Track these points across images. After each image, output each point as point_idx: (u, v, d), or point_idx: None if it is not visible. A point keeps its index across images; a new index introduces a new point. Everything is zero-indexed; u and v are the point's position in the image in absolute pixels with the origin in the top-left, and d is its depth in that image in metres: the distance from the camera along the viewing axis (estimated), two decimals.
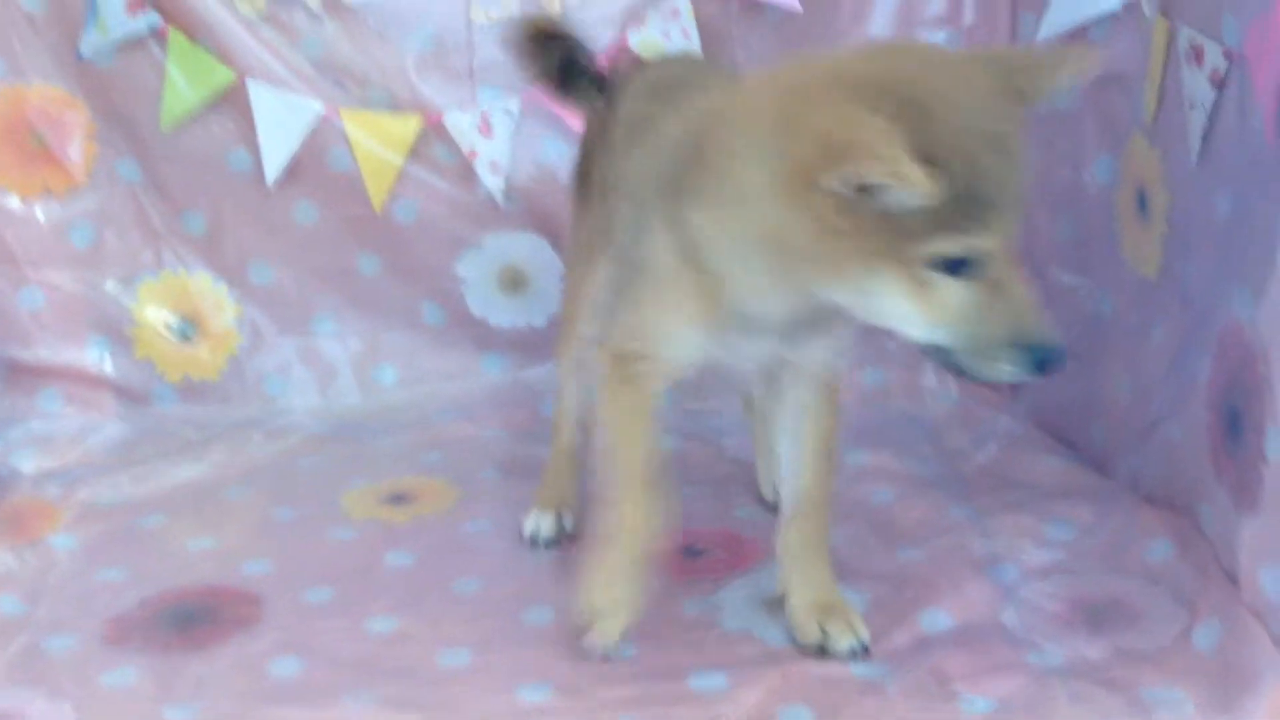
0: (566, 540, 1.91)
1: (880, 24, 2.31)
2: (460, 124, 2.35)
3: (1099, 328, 2.06)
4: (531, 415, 2.38)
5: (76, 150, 2.35)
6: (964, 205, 1.21)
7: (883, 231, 1.23)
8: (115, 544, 1.97)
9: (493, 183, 2.37)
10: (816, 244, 1.28)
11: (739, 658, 1.58)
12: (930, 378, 2.38)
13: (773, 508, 1.83)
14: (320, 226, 2.42)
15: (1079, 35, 2.01)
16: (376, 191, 2.37)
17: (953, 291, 1.26)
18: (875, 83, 1.23)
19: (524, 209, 2.41)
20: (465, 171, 2.38)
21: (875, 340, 2.43)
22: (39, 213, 2.36)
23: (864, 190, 1.20)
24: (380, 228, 2.42)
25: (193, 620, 1.74)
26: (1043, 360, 1.28)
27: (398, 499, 2.10)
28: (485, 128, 2.34)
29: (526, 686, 1.53)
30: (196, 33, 2.29)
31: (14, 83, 2.30)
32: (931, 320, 1.28)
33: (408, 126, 2.35)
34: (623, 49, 2.30)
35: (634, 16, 2.30)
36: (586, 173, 1.90)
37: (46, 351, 2.41)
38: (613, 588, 1.55)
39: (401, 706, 1.51)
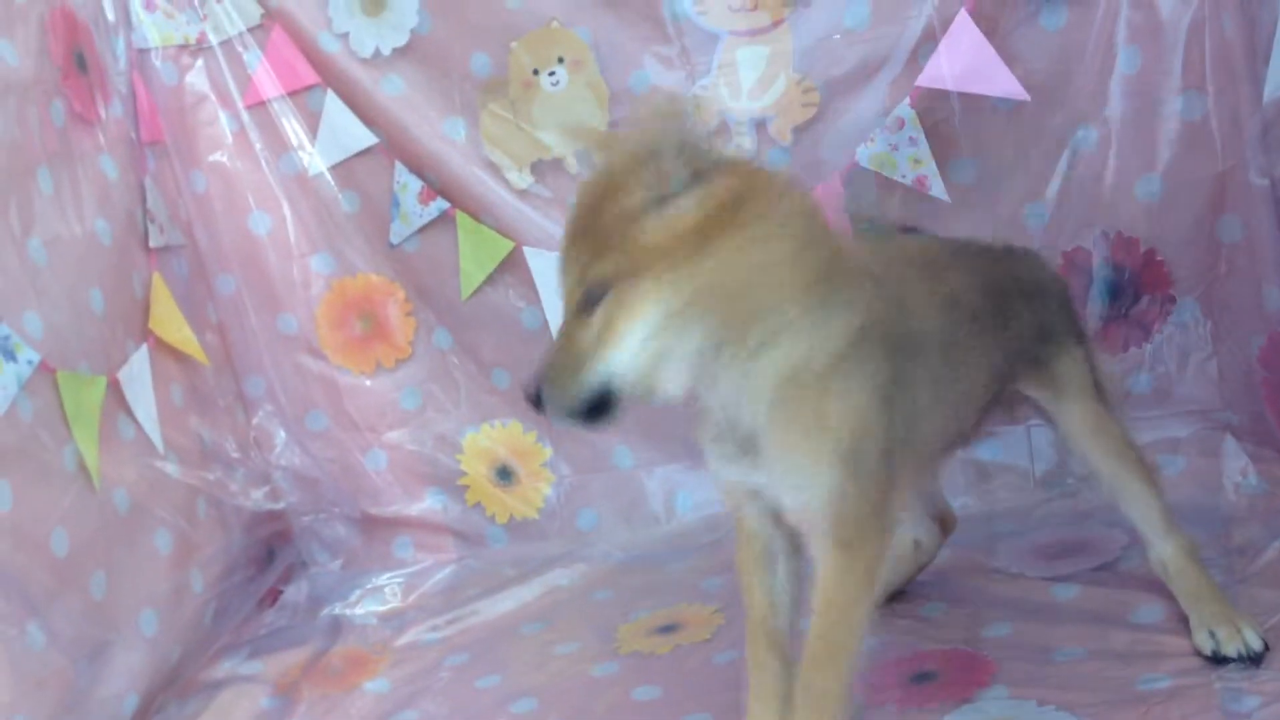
0: None
1: (1118, 103, 2.18)
2: None
3: None
4: None
5: (398, 326, 2.66)
6: None
7: None
8: (419, 686, 2.19)
9: None
10: None
11: None
12: (1234, 467, 2.18)
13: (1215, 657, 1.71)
14: None
15: None
16: None
17: None
18: None
19: None
20: None
21: (1173, 428, 2.27)
22: (373, 385, 2.69)
23: None
24: None
25: None
26: None
27: (666, 629, 2.19)
28: None
29: None
30: (478, 211, 2.54)
31: (341, 276, 2.64)
32: None
33: None
34: (854, 167, 2.31)
35: (861, 134, 2.31)
36: None
37: (395, 505, 2.72)
38: None
39: None
